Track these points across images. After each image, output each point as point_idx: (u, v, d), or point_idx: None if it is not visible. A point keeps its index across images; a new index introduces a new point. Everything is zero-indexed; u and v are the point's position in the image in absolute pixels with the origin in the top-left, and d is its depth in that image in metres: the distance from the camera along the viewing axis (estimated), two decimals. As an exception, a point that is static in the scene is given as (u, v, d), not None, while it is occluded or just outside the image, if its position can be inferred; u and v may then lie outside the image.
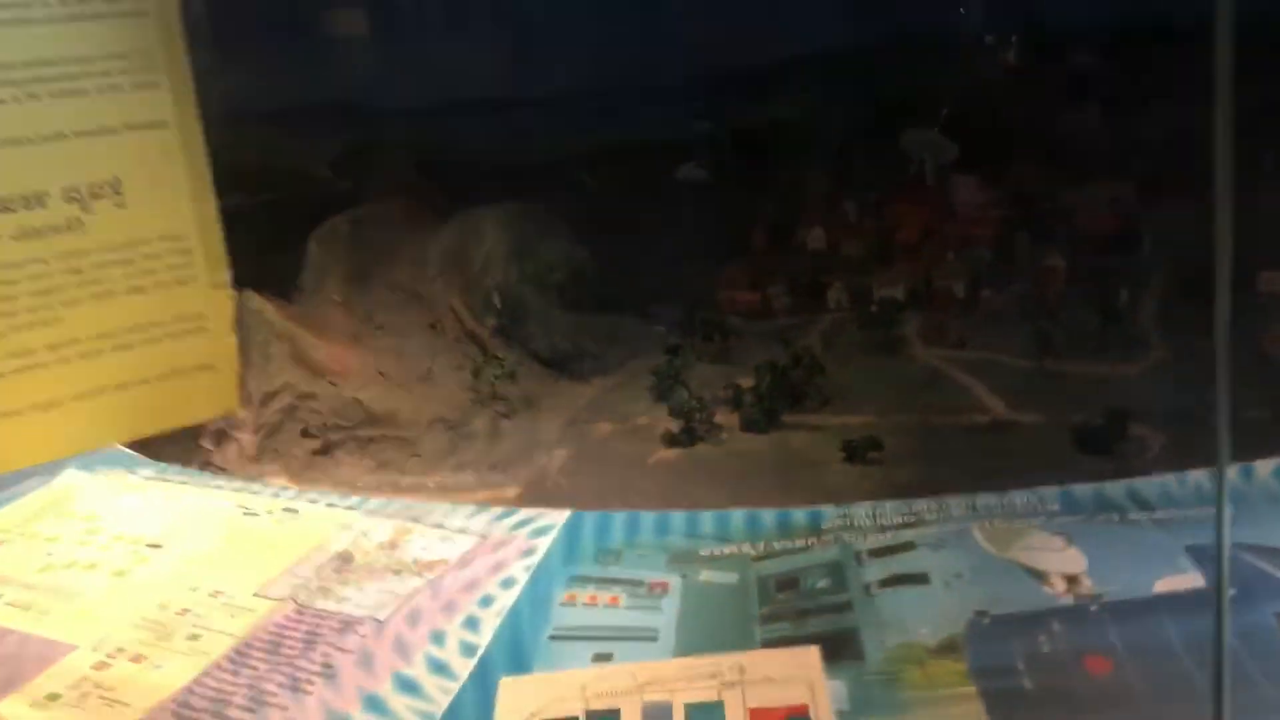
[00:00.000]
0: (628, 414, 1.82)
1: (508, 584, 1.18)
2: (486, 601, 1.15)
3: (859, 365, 2.06)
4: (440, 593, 1.18)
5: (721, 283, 3.13)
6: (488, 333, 1.85)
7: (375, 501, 1.40)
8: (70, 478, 1.58)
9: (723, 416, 1.81)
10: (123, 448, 1.64)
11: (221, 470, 1.78)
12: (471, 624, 1.12)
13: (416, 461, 1.69)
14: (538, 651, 1.04)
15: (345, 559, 1.26)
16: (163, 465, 1.63)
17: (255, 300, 1.83)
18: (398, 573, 1.23)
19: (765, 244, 4.15)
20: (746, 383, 1.89)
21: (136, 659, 1.12)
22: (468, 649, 1.07)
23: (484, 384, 1.80)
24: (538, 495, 1.56)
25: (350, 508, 1.40)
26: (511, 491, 1.57)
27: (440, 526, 1.32)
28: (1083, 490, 1.21)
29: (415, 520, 1.34)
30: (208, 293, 1.72)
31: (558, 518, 1.29)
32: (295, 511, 1.40)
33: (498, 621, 1.09)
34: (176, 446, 1.78)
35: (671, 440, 1.70)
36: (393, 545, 1.29)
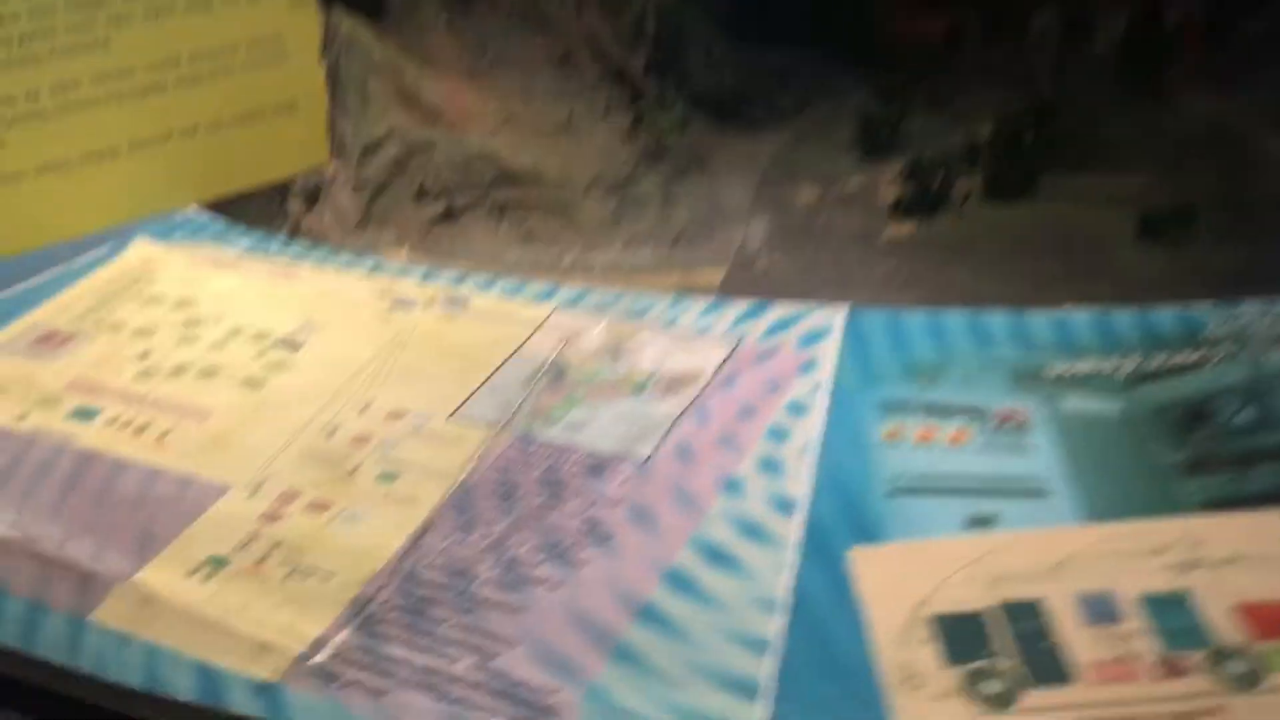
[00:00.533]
0: (831, 174, 1.47)
1: (797, 410, 0.89)
2: (778, 435, 0.87)
3: (1108, 114, 1.70)
4: (708, 420, 0.89)
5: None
6: (640, 69, 1.47)
7: (568, 290, 1.09)
8: (143, 249, 1.26)
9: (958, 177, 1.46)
10: (200, 212, 1.33)
11: (322, 239, 1.47)
12: (771, 467, 0.84)
13: (574, 233, 1.36)
14: (882, 510, 0.77)
15: (558, 371, 0.96)
16: (260, 233, 1.32)
17: (346, 22, 1.45)
18: (636, 391, 0.93)
19: None
20: (980, 132, 1.52)
21: (317, 506, 0.84)
22: (782, 504, 0.80)
23: (648, 135, 1.44)
24: (744, 281, 1.25)
25: (536, 298, 1.09)
26: (710, 275, 1.26)
27: (672, 326, 1.02)
28: None
29: (634, 317, 1.03)
30: (287, 11, 1.37)
31: (832, 317, 0.98)
32: (462, 303, 1.09)
33: (808, 464, 0.81)
34: (253, 209, 1.47)
35: (904, 209, 1.36)
36: (615, 352, 0.99)
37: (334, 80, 1.48)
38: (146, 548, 0.82)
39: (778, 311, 1.05)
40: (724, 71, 1.57)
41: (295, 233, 1.49)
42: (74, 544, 0.82)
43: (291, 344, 1.07)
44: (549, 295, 1.11)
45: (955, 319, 1.00)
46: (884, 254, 1.31)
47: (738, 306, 1.06)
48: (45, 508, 0.86)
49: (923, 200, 1.36)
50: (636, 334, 1.02)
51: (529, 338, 1.04)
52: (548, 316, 1.08)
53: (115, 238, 1.28)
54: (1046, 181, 1.49)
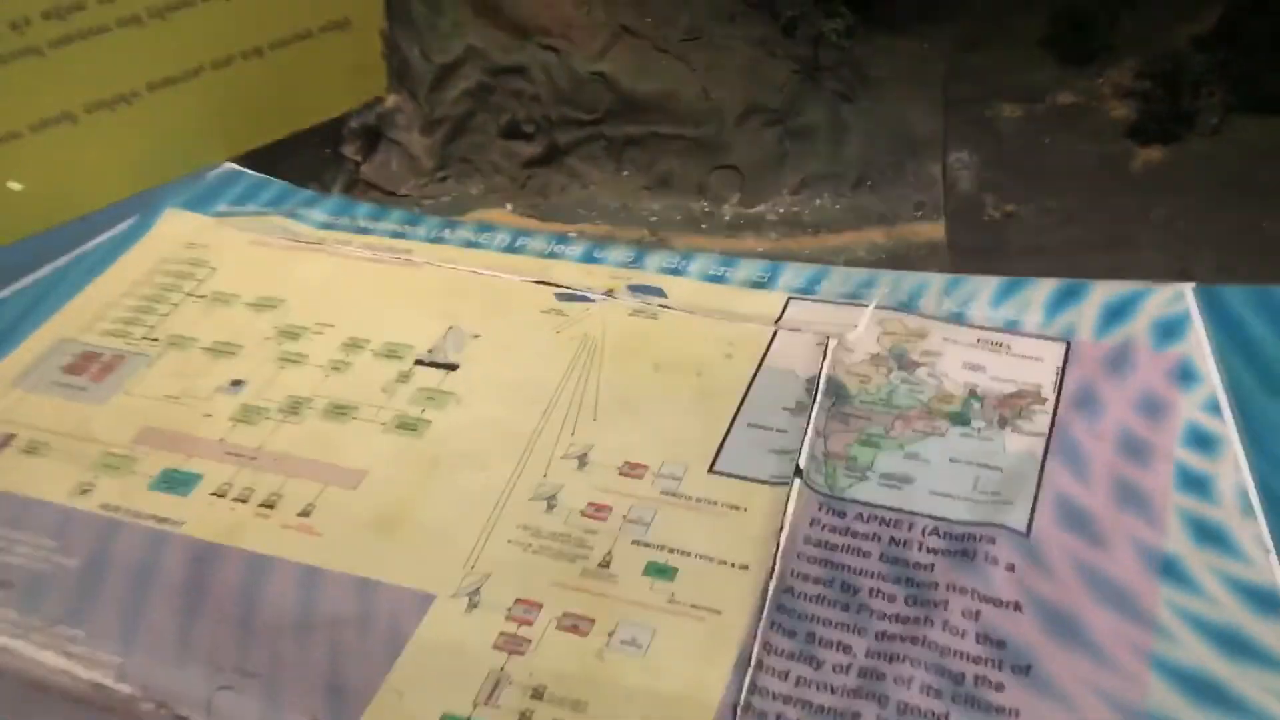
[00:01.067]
0: (1031, 86, 1.22)
1: (1202, 444, 0.67)
2: (1194, 486, 0.64)
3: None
4: (1085, 464, 0.66)
5: None
6: None
7: (796, 269, 0.85)
8: (179, 223, 0.99)
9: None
10: (237, 168, 1.07)
11: (391, 195, 1.21)
12: (1211, 537, 0.61)
13: (724, 177, 1.10)
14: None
15: (837, 393, 0.72)
16: (336, 198, 1.05)
17: None
18: (958, 420, 0.70)
19: None
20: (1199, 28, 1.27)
21: (575, 624, 0.60)
22: (1257, 598, 0.57)
23: (801, 46, 1.17)
24: (977, 236, 1.01)
25: (752, 282, 0.84)
26: (927, 229, 1.01)
27: (958, 320, 0.78)
28: None
29: (899, 310, 0.78)
30: None
31: (1176, 299, 0.75)
32: (654, 291, 0.84)
33: (1258, 531, 0.58)
34: (296, 159, 1.21)
35: (1144, 130, 1.12)
36: (900, 359, 0.74)
37: None
38: (340, 708, 0.56)
39: (1099, 292, 0.80)
40: None
41: (352, 188, 1.21)
42: (225, 702, 0.56)
43: (443, 361, 0.80)
44: (769, 278, 0.86)
45: None
46: (1144, 191, 1.06)
47: (1036, 287, 0.81)
48: (163, 642, 0.59)
49: (1168, 117, 1.11)
50: (921, 331, 0.77)
51: (771, 343, 0.78)
52: (784, 308, 0.82)
53: (138, 210, 1.00)
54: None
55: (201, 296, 0.90)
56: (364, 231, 0.98)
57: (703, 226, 1.11)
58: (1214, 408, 0.71)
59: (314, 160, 1.24)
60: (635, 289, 0.86)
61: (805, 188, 1.13)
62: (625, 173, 1.21)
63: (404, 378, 0.80)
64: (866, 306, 0.81)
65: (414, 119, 1.26)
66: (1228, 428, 0.69)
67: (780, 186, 1.13)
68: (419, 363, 0.81)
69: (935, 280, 0.84)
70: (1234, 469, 0.66)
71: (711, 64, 1.21)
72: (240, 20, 1.08)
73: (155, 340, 0.86)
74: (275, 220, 1.00)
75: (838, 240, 1.07)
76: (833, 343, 0.79)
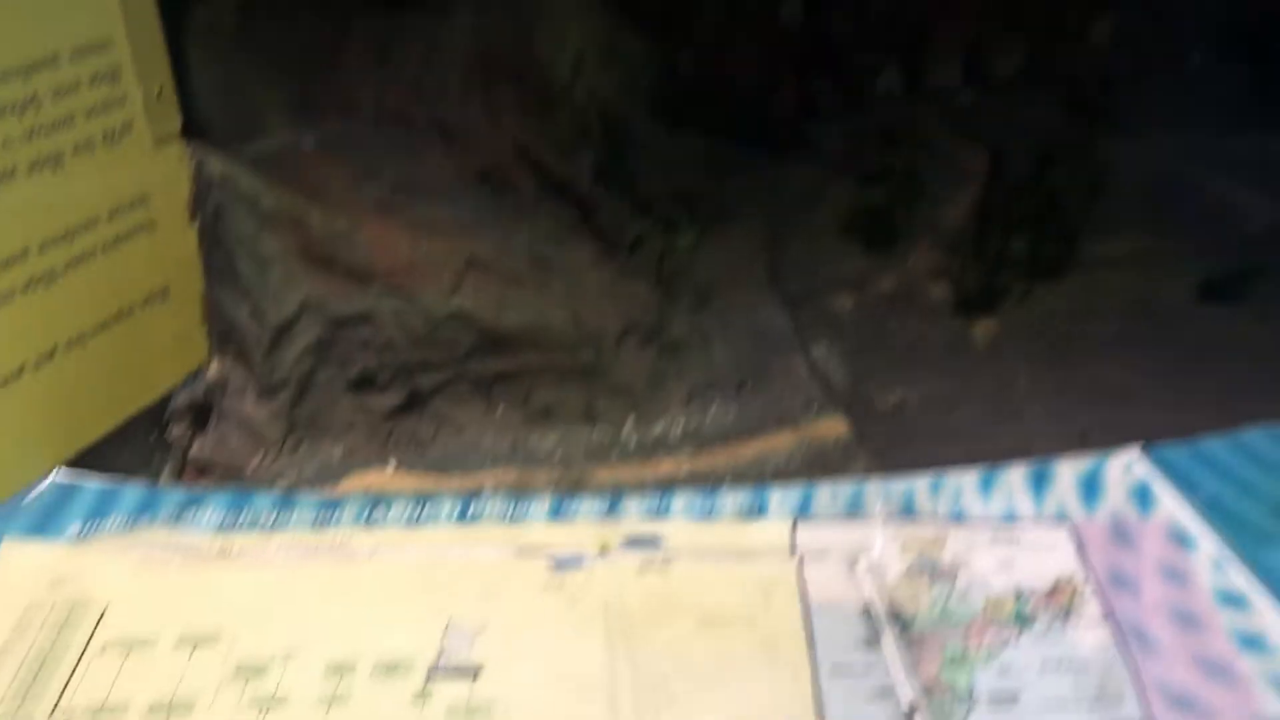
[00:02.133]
0: (849, 276, 1.36)
1: (1233, 602, 0.77)
2: (1253, 644, 0.74)
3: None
4: (1158, 646, 0.74)
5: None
6: (586, 180, 1.27)
7: (784, 492, 0.90)
8: (24, 558, 0.87)
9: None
10: (71, 476, 0.98)
11: (233, 472, 1.13)
12: None
13: (610, 401, 1.13)
14: None
15: (900, 621, 0.76)
16: (222, 495, 0.97)
17: (217, 161, 1.13)
18: (1023, 621, 0.76)
19: None
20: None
21: None
22: None
23: (650, 262, 1.24)
24: (879, 426, 1.10)
25: (744, 513, 0.89)
26: (830, 426, 1.09)
27: (960, 519, 0.85)
28: None
29: (903, 519, 0.85)
30: (151, 155, 1.08)
31: (1128, 463, 0.88)
32: (650, 542, 0.85)
33: None
34: (120, 453, 1.12)
35: (970, 305, 1.28)
36: (933, 571, 0.80)
37: (213, 245, 1.12)
38: None
39: (1066, 469, 0.89)
40: (687, 170, 1.38)
41: (182, 473, 1.11)
42: None
43: (458, 668, 0.73)
44: (759, 504, 0.87)
45: (1251, 439, 0.90)
46: (1001, 360, 1.19)
47: (1009, 474, 0.89)
48: None
49: (986, 291, 1.27)
50: (938, 538, 0.82)
51: (800, 580, 0.79)
52: (793, 535, 0.84)
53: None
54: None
55: (105, 647, 0.76)
56: (274, 527, 0.88)
57: (611, 456, 1.09)
58: (1221, 565, 0.78)
59: (143, 449, 1.11)
60: (632, 543, 0.83)
61: (694, 400, 1.15)
62: (499, 411, 1.17)
63: (423, 697, 0.71)
64: (873, 520, 0.83)
65: (248, 386, 1.16)
66: (1245, 582, 0.76)
67: (669, 404, 1.14)
68: (434, 673, 0.72)
69: (920, 483, 0.87)
70: (1276, 621, 0.72)
71: (571, 288, 1.21)
72: (63, 306, 0.96)
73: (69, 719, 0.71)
74: (155, 533, 0.87)
75: (752, 449, 1.09)
76: (863, 564, 0.79)
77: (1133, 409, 1.07)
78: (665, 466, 1.05)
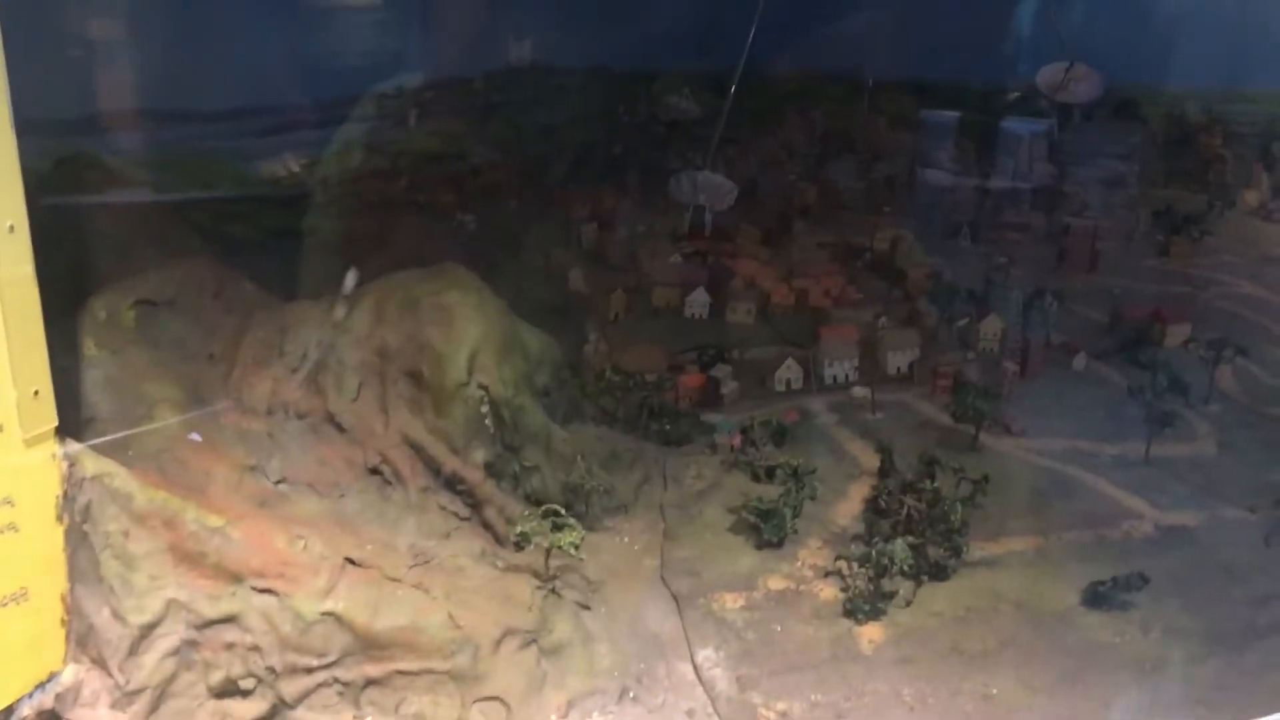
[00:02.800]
0: (745, 574, 1.37)
1: None
2: None
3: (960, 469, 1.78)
4: None
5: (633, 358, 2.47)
6: (479, 474, 1.29)
7: None
8: None
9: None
10: None
11: None
12: None
13: (491, 709, 1.10)
14: None
15: None
16: None
17: (92, 461, 1.13)
18: None
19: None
20: (848, 510, 1.52)
21: None
22: None
23: (539, 557, 1.23)
24: None
25: None
26: None
27: None
28: None
29: None
30: (20, 453, 1.08)
31: None
32: None
33: None
34: None
35: (857, 612, 1.28)
36: None
37: (78, 544, 1.10)
38: None
39: None
40: (569, 464, 1.40)
41: None
42: None
43: None
44: None
45: None
46: (885, 667, 1.18)
47: None
48: None
49: (866, 597, 1.27)
50: None
51: None
52: None
53: None
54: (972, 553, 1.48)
55: None
56: None
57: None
58: None
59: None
60: None
61: (573, 709, 1.11)
62: (367, 717, 1.13)
63: None
64: None
65: (102, 693, 1.11)
66: None
67: (548, 711, 1.10)
68: None
69: None
70: None
71: (452, 588, 1.19)
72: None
73: None
74: None
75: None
76: None
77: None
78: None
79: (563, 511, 1.35)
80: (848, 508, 1.80)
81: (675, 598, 1.43)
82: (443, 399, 1.32)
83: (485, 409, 1.33)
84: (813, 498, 1.63)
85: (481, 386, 1.40)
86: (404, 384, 1.36)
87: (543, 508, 1.35)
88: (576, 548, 1.28)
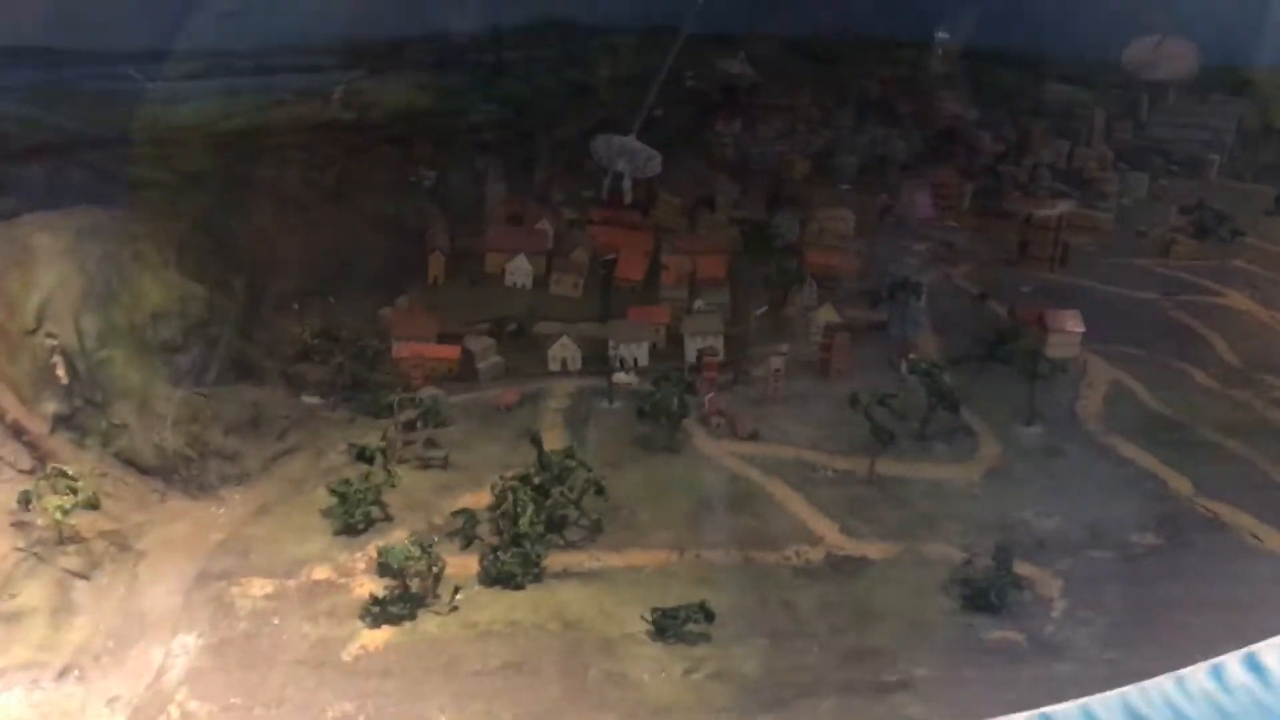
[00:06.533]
0: (296, 559, 1.24)
1: None
2: None
3: (630, 470, 1.63)
4: None
5: (395, 326, 2.54)
6: (46, 425, 1.18)
7: None
8: None
9: (452, 559, 1.28)
10: None
11: None
12: None
13: None
14: None
15: None
16: None
17: None
18: None
19: (447, 272, 3.97)
20: (477, 501, 1.37)
21: None
22: None
23: (43, 519, 1.12)
24: None
25: None
26: None
27: None
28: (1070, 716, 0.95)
29: None
30: None
31: None
32: None
33: None
34: None
35: (379, 612, 1.14)
36: None
37: None
38: None
39: None
40: (168, 425, 1.30)
41: None
42: None
43: None
44: None
45: None
46: (347, 679, 1.05)
47: None
48: None
49: (403, 597, 1.13)
50: None
51: None
52: None
53: None
54: (552, 559, 1.33)
55: None
56: None
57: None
58: None
59: None
60: None
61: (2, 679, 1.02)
62: None
63: None
64: None
65: None
66: None
67: None
68: None
69: None
70: None
71: None
72: None
73: None
74: None
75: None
76: None
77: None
78: None
79: (68, 472, 1.27)
80: (475, 498, 1.73)
81: (198, 579, 1.33)
82: (12, 345, 1.24)
83: (56, 359, 1.24)
84: (392, 485, 1.56)
85: (51, 335, 1.32)
86: (-13, 328, 1.30)
87: (50, 467, 1.27)
88: (65, 513, 1.19)
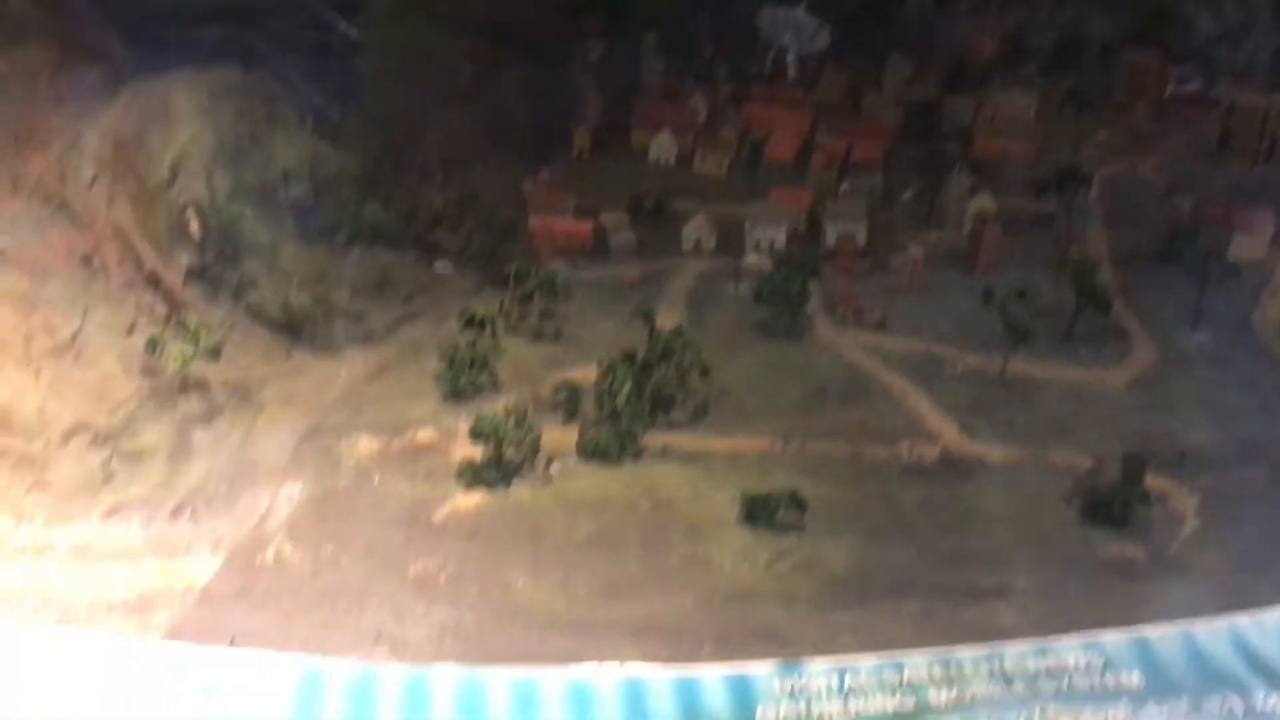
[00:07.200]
0: (404, 420, 1.32)
1: None
2: None
3: (744, 354, 1.65)
4: None
5: (533, 199, 2.62)
6: (180, 277, 1.27)
7: None
8: None
9: (552, 431, 1.34)
10: None
11: None
12: None
13: (42, 497, 1.11)
14: None
15: None
16: None
17: None
18: None
19: (593, 146, 3.98)
20: (584, 376, 1.41)
21: None
22: None
23: (166, 365, 1.22)
24: (241, 580, 1.03)
25: None
26: (200, 566, 1.04)
27: None
28: (1168, 641, 0.91)
29: None
30: None
31: (278, 684, 0.81)
32: None
33: None
34: None
35: (472, 476, 1.21)
36: None
37: None
38: None
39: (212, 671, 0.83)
40: (294, 283, 1.38)
41: None
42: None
43: None
44: None
45: (445, 683, 0.82)
46: (435, 539, 1.13)
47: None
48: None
49: (498, 464, 1.20)
50: None
51: None
52: None
53: None
54: (651, 439, 1.38)
55: None
56: None
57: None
58: None
59: None
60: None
61: (119, 513, 1.15)
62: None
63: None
64: None
65: None
66: None
67: (91, 511, 1.14)
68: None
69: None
70: None
71: (66, 376, 1.24)
72: None
73: None
74: None
75: (104, 577, 1.07)
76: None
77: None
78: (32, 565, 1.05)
79: (190, 323, 1.36)
80: (583, 373, 1.73)
81: (310, 433, 1.43)
82: (149, 197, 1.35)
83: (189, 214, 1.34)
84: (500, 353, 1.57)
85: (185, 189, 1.42)
86: (131, 180, 1.39)
87: (174, 317, 1.37)
88: (186, 361, 1.30)
